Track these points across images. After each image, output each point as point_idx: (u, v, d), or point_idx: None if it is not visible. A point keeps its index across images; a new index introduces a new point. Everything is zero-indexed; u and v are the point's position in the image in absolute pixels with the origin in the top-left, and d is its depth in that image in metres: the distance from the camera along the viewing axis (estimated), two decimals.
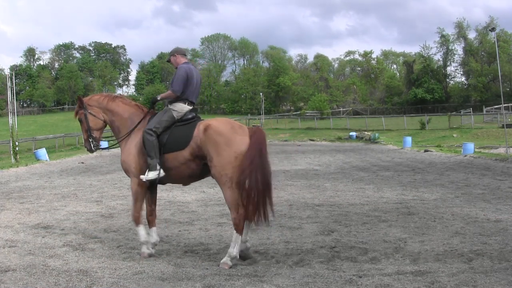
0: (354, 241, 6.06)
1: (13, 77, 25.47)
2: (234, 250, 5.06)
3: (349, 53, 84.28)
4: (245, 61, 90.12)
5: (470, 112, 46.05)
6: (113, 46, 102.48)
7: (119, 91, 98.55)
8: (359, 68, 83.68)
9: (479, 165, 16.25)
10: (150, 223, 5.67)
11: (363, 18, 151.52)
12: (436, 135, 35.66)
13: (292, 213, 8.09)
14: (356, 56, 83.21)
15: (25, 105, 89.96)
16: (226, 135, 5.09)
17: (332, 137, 40.08)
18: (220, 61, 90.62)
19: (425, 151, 23.53)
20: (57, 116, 72.60)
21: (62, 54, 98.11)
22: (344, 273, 4.69)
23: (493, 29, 25.50)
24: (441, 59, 70.20)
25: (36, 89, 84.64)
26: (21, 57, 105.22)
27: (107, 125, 5.95)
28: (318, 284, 4.39)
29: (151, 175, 5.30)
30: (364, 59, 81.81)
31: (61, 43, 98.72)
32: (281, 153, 24.77)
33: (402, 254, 5.37)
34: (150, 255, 5.43)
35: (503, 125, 28.43)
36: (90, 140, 5.76)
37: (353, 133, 39.52)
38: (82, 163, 20.63)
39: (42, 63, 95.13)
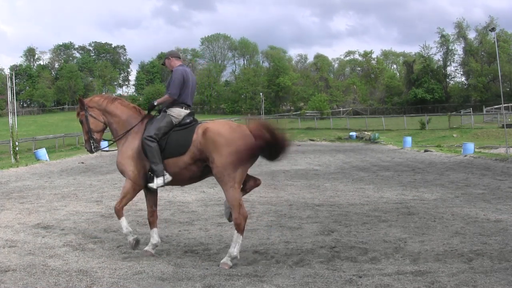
0: (354, 241, 6.06)
1: (13, 77, 25.48)
2: (234, 250, 5.07)
3: (349, 53, 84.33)
4: (245, 61, 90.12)
5: (470, 112, 46.05)
6: (113, 46, 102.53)
7: (119, 91, 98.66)
8: (359, 68, 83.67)
9: (479, 165, 16.24)
10: (151, 224, 5.68)
11: (363, 18, 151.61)
12: (436, 135, 35.66)
13: (292, 213, 8.09)
14: (356, 56, 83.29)
15: (25, 105, 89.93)
16: (225, 135, 5.13)
17: (332, 137, 40.08)
18: (220, 61, 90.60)
19: (425, 151, 23.53)
20: (57, 116, 72.60)
21: (62, 54, 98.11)
22: (344, 273, 4.69)
23: (493, 29, 25.49)
24: (441, 59, 70.21)
25: (36, 89, 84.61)
26: (21, 57, 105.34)
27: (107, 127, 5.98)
28: (318, 284, 4.39)
29: (159, 181, 5.33)
30: (364, 59, 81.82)
31: (61, 43, 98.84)
32: None
33: (402, 254, 5.37)
34: (136, 241, 5.54)
35: (503, 125, 28.43)
36: (91, 141, 5.79)
37: (353, 133, 39.50)
38: (82, 163, 20.63)
39: (42, 63, 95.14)
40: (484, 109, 47.77)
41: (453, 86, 70.75)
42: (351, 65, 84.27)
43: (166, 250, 5.76)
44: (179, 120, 5.51)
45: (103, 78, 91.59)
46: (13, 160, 22.03)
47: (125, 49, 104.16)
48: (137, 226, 7.20)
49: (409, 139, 28.64)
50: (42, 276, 4.71)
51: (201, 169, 5.36)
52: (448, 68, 71.12)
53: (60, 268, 4.98)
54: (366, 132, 39.01)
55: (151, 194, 5.71)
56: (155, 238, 5.60)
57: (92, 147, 5.80)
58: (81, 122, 5.87)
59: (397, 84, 74.37)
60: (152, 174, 5.37)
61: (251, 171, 5.67)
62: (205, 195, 10.41)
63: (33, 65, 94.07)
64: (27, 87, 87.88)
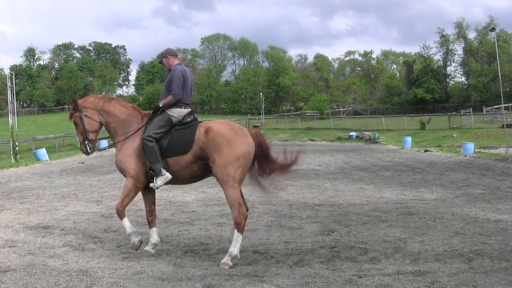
0: (354, 241, 6.06)
1: (13, 77, 25.46)
2: (235, 250, 5.09)
3: (349, 53, 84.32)
4: (245, 61, 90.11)
5: (470, 112, 46.04)
6: (113, 46, 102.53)
7: (119, 91, 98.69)
8: (359, 68, 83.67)
9: (479, 165, 16.25)
10: (150, 223, 5.68)
11: (363, 18, 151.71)
12: (436, 135, 35.66)
13: (292, 213, 8.09)
14: (356, 56, 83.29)
15: (25, 105, 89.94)
16: (227, 136, 5.21)
17: (332, 137, 40.07)
18: (220, 61, 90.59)
19: (425, 151, 23.53)
20: (57, 116, 72.55)
21: (62, 54, 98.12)
22: (344, 273, 4.69)
23: (493, 29, 25.46)
24: (441, 59, 70.22)
25: (36, 89, 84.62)
26: (21, 57, 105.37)
27: (102, 127, 5.92)
28: (318, 284, 4.39)
29: (159, 181, 5.35)
30: (364, 59, 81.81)
31: (61, 43, 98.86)
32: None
33: (402, 254, 5.37)
34: (140, 242, 5.52)
35: (503, 125, 28.43)
36: (86, 142, 5.71)
37: (353, 133, 39.49)
38: (82, 163, 20.63)
39: (42, 63, 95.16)
40: (484, 109, 47.77)
41: (453, 86, 70.75)
42: (351, 65, 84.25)
43: (166, 250, 5.76)
44: (179, 120, 5.54)
45: (103, 78, 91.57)
46: (13, 160, 22.02)
47: (125, 49, 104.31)
48: (137, 226, 7.19)
49: (409, 139, 28.64)
50: (42, 276, 4.71)
51: (201, 168, 5.39)
52: (448, 68, 71.21)
53: (60, 268, 4.98)
54: (366, 132, 39.00)
55: (149, 194, 5.71)
56: (154, 237, 5.60)
57: (88, 148, 5.72)
58: (75, 123, 5.78)
59: (397, 84, 74.38)
60: (153, 173, 5.39)
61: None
62: (205, 195, 10.41)
63: (33, 65, 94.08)
64: (27, 87, 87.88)
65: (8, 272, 4.82)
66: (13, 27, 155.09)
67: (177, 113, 5.53)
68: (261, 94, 60.33)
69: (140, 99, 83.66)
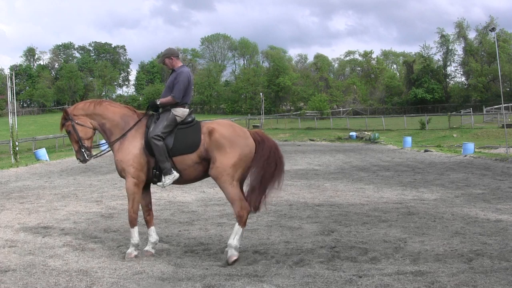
0: (354, 241, 6.06)
1: (13, 77, 25.42)
2: (234, 241, 5.17)
3: (349, 53, 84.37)
4: (245, 61, 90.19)
5: (470, 112, 46.03)
6: (113, 46, 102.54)
7: (119, 91, 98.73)
8: (359, 68, 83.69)
9: (479, 165, 16.24)
10: (148, 223, 5.68)
11: (362, 17, 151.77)
12: (436, 135, 35.65)
13: (292, 213, 8.09)
14: (356, 56, 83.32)
15: (25, 105, 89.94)
16: (230, 138, 5.33)
17: (332, 137, 40.07)
18: (220, 61, 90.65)
19: (425, 151, 23.53)
20: (57, 116, 72.27)
21: (62, 54, 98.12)
22: (344, 273, 4.69)
23: (493, 29, 25.42)
24: (441, 59, 70.27)
25: (36, 89, 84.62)
26: (21, 57, 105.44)
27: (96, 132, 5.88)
28: (318, 284, 4.39)
29: (168, 180, 5.39)
30: (364, 59, 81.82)
31: (61, 43, 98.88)
32: None
33: (402, 254, 5.37)
34: (136, 256, 5.42)
35: (503, 125, 28.44)
36: (83, 150, 5.66)
37: (353, 133, 39.48)
38: None
39: (42, 63, 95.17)
40: (484, 109, 47.77)
41: (453, 86, 70.76)
42: (351, 65, 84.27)
43: (166, 250, 5.76)
44: (182, 119, 5.60)
45: (103, 78, 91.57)
46: (13, 160, 22.01)
47: (125, 49, 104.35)
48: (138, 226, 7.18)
49: (409, 139, 28.64)
50: (42, 276, 4.71)
51: (206, 169, 5.46)
52: (448, 68, 71.27)
53: (60, 268, 4.98)
54: (366, 132, 39.00)
55: (145, 193, 5.71)
56: (153, 236, 5.60)
57: (86, 155, 5.66)
58: (68, 132, 5.74)
59: (397, 84, 74.40)
60: (158, 172, 5.41)
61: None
62: (205, 195, 10.41)
63: (33, 65, 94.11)
64: (27, 87, 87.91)
65: (8, 272, 4.82)
66: (13, 27, 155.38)
67: (181, 112, 5.59)
68: (261, 94, 60.39)
69: (140, 99, 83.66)
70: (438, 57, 70.18)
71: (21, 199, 10.21)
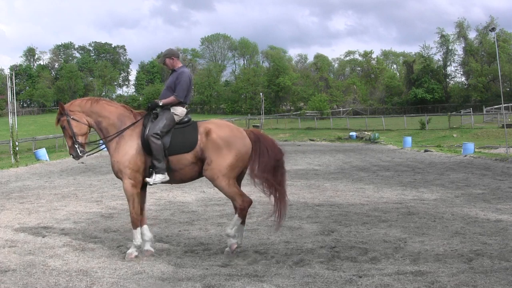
0: (354, 241, 6.06)
1: (13, 77, 25.42)
2: (231, 231, 5.36)
3: (349, 53, 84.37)
4: (245, 61, 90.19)
5: (470, 112, 46.02)
6: (113, 46, 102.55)
7: (119, 91, 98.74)
8: (359, 68, 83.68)
9: (479, 165, 16.24)
10: (141, 222, 5.67)
11: (362, 17, 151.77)
12: (436, 135, 35.65)
13: (292, 213, 8.08)
14: (356, 56, 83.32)
15: (25, 105, 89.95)
16: (227, 138, 5.37)
17: (332, 137, 40.07)
18: (220, 61, 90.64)
19: (425, 151, 23.53)
20: None
21: (62, 54, 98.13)
22: (344, 273, 4.69)
23: (493, 29, 25.42)
24: (441, 59, 70.26)
25: (36, 89, 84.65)
26: (21, 57, 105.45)
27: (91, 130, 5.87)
28: (318, 284, 4.39)
29: (158, 178, 5.39)
30: (364, 59, 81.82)
31: (61, 43, 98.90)
32: None
33: (402, 254, 5.37)
34: (136, 256, 5.41)
35: (503, 125, 28.43)
36: (76, 146, 5.64)
37: (353, 133, 39.48)
38: (82, 163, 20.62)
39: (42, 63, 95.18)
40: (484, 109, 47.76)
41: (453, 86, 70.77)
42: (351, 65, 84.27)
43: (166, 250, 5.76)
44: (181, 118, 5.63)
45: (103, 78, 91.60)
46: (13, 160, 22.02)
47: (125, 49, 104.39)
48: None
49: (409, 139, 28.64)
50: (42, 276, 4.71)
51: (202, 169, 5.47)
52: (448, 68, 71.27)
53: (60, 268, 4.98)
54: (366, 132, 39.00)
55: (142, 193, 5.69)
56: (147, 235, 5.58)
57: (79, 151, 5.65)
58: (63, 127, 5.71)
59: (397, 84, 74.40)
60: (151, 170, 5.41)
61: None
62: (205, 195, 10.41)
63: (33, 65, 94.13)
64: (27, 87, 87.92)
65: (8, 272, 4.82)
66: (13, 27, 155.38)
67: (180, 111, 5.62)
68: (261, 94, 60.40)
69: (140, 99, 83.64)
70: (438, 57, 70.33)
71: (21, 199, 10.21)
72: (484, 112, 45.55)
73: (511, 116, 40.69)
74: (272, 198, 5.57)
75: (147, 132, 5.42)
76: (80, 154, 5.68)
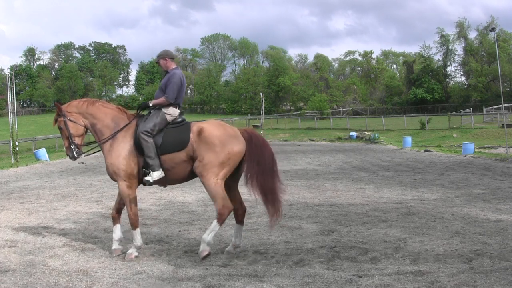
0: (354, 241, 6.06)
1: (13, 77, 25.41)
2: (208, 237, 5.21)
3: (349, 53, 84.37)
4: (245, 61, 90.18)
5: (470, 112, 46.02)
6: (113, 46, 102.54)
7: (119, 91, 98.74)
8: (359, 68, 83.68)
9: (479, 165, 16.25)
10: (115, 220, 5.70)
11: (362, 17, 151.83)
12: (436, 135, 35.65)
13: (292, 213, 8.08)
14: (356, 56, 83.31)
15: (25, 105, 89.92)
16: (220, 136, 5.36)
17: (332, 137, 40.08)
18: (220, 61, 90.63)
19: (425, 151, 23.53)
20: None
21: (62, 54, 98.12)
22: (344, 273, 4.69)
23: (493, 29, 25.43)
24: (441, 59, 70.26)
25: (36, 89, 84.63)
26: (21, 57, 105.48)
27: (88, 131, 5.88)
28: (318, 284, 4.39)
29: (155, 175, 5.39)
30: (364, 59, 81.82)
31: (61, 43, 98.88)
32: (281, 153, 24.75)
33: (402, 254, 5.37)
34: (136, 257, 5.41)
35: (503, 125, 28.44)
36: (72, 147, 5.68)
37: (353, 133, 39.49)
38: (82, 163, 20.63)
39: (42, 63, 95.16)
40: (484, 109, 47.76)
41: (453, 86, 70.76)
42: (351, 65, 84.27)
43: (166, 250, 5.76)
44: (173, 119, 5.65)
45: (103, 78, 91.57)
46: (13, 160, 22.01)
47: (125, 49, 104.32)
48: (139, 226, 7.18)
49: (409, 139, 28.64)
50: (42, 276, 4.71)
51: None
52: (448, 68, 71.26)
53: (60, 268, 4.98)
54: (366, 132, 39.01)
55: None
56: (117, 233, 5.62)
57: (74, 152, 5.68)
58: (60, 128, 5.75)
59: (397, 84, 74.39)
60: (147, 170, 5.42)
61: None
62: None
63: (33, 65, 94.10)
64: (27, 87, 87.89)
65: (8, 272, 4.82)
66: (12, 26, 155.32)
67: (172, 112, 5.65)
68: (261, 94, 60.37)
69: (140, 99, 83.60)
70: (438, 57, 70.32)
71: (21, 199, 10.21)
72: (484, 112, 45.56)
73: (511, 116, 40.69)
74: (264, 199, 5.45)
75: (138, 130, 5.48)
76: (76, 155, 5.71)
